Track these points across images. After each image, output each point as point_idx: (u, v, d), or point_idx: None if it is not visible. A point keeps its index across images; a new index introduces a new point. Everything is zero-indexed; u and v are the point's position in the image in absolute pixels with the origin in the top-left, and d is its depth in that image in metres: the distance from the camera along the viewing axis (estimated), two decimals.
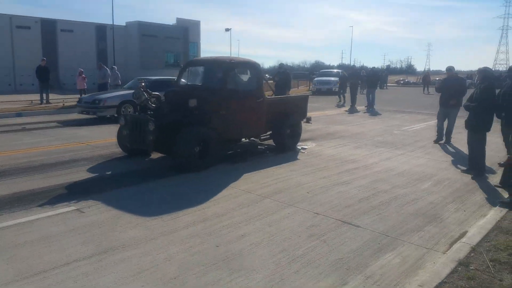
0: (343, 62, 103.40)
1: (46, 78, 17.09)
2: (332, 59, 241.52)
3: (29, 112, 14.58)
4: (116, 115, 12.72)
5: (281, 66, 15.66)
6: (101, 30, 36.49)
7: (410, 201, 5.39)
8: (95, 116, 12.97)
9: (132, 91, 13.10)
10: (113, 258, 3.61)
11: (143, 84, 7.18)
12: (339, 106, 19.64)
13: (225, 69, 7.38)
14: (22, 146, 8.65)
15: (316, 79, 29.66)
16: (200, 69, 8.27)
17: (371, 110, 17.03)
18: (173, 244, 3.93)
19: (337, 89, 27.76)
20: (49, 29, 33.07)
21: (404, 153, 8.55)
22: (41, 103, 16.62)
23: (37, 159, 7.38)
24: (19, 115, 13.99)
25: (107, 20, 39.20)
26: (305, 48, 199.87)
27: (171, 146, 6.47)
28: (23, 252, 3.70)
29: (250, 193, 5.55)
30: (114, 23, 33.90)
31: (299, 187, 5.90)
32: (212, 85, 7.53)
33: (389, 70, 44.33)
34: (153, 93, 7.37)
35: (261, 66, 8.26)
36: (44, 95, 16.90)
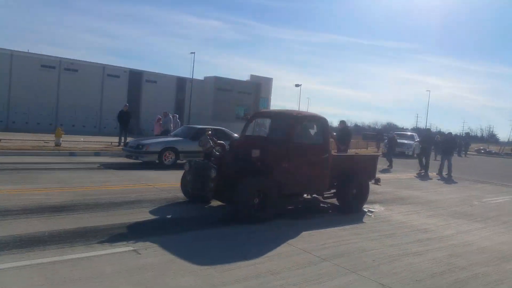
0: (418, 125, 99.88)
1: (127, 122, 18.42)
2: (405, 122, 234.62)
3: (106, 152, 15.65)
4: (157, 161, 12.90)
5: (342, 122, 15.21)
6: (181, 82, 39.30)
7: (492, 281, 4.68)
8: (138, 160, 13.11)
9: (177, 138, 13.79)
10: None
11: (209, 132, 7.38)
12: (419, 175, 16.41)
13: (291, 121, 7.34)
14: (93, 183, 9.15)
15: (387, 140, 28.72)
16: (267, 121, 8.34)
17: (447, 178, 15.79)
18: None
19: (410, 153, 26.58)
20: (135, 79, 36.31)
21: (485, 227, 7.66)
22: (119, 145, 17.79)
23: (105, 197, 7.71)
24: (97, 154, 15.05)
25: (186, 74, 42.19)
26: (377, 109, 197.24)
27: (231, 195, 6.41)
28: None
29: (308, 253, 5.19)
30: (193, 77, 36.27)
31: (363, 253, 5.43)
32: (276, 137, 7.50)
33: (469, 138, 41.69)
34: (218, 141, 7.50)
35: (328, 122, 8.11)
36: (123, 138, 18.13)
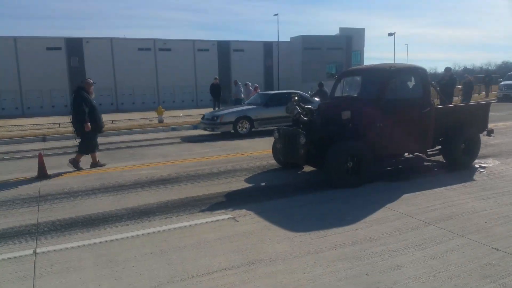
0: None
1: (218, 94, 19.15)
2: None
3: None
4: (232, 131, 12.91)
5: (447, 70, 13.65)
6: (268, 47, 39.20)
7: None
8: (214, 132, 13.33)
9: (250, 106, 13.58)
10: (259, 271, 3.59)
11: (296, 98, 7.19)
12: None
13: (384, 77, 6.80)
14: (193, 155, 9.75)
15: (503, 83, 25.47)
16: (357, 79, 7.84)
17: None
18: (319, 265, 3.68)
19: None
20: (224, 50, 37.22)
21: None
22: None
23: (204, 168, 8.16)
24: (195, 127, 15.97)
25: (273, 38, 41.94)
26: (490, 48, 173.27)
27: (323, 161, 6.27)
28: (183, 255, 4.00)
29: (411, 217, 4.89)
30: (280, 39, 35.84)
31: (473, 214, 4.94)
32: (368, 95, 7.02)
33: None
34: (306, 106, 7.31)
35: (427, 72, 7.35)
36: (217, 109, 18.92)
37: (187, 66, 35.30)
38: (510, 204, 5.24)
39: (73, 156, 8.50)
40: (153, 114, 19.58)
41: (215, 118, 13.11)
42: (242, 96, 18.34)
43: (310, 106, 7.31)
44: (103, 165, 8.69)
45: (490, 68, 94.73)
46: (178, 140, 12.92)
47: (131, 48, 34.08)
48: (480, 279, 3.34)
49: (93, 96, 8.47)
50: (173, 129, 15.89)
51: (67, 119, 9.49)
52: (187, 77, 35.21)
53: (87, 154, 8.52)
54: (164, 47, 35.02)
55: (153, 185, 6.89)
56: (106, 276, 3.60)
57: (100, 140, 9.32)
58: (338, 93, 7.75)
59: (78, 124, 8.18)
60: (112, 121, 17.58)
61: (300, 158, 6.51)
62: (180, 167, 8.36)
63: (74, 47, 32.78)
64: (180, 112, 22.75)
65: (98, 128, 8.50)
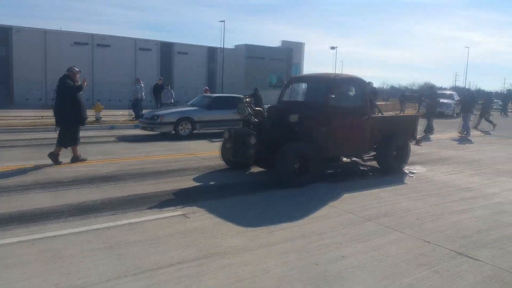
0: (456, 84, 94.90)
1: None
2: (444, 82, 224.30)
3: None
4: (173, 132, 12.50)
5: (369, 84, 14.54)
6: (212, 53, 39.11)
7: None
8: (154, 132, 12.82)
9: (192, 108, 13.39)
10: (214, 264, 3.66)
11: (247, 99, 7.37)
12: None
13: (329, 85, 7.24)
14: (136, 154, 9.52)
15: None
16: (304, 85, 8.25)
17: (466, 138, 14.59)
18: (271, 257, 3.84)
19: (450, 112, 25.50)
20: (167, 51, 36.47)
21: None
22: None
23: (149, 166, 8.01)
24: (136, 127, 15.50)
25: (217, 44, 41.99)
26: (414, 69, 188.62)
27: (271, 161, 6.49)
28: (132, 250, 3.93)
29: (352, 214, 5.25)
30: (224, 46, 36.00)
31: (406, 212, 5.42)
32: (314, 101, 7.43)
33: (508, 94, 39.70)
34: (256, 108, 7.52)
35: (366, 83, 7.92)
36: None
37: (127, 65, 34.10)
38: (437, 205, 5.81)
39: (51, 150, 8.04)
40: (89, 112, 18.64)
41: (155, 117, 12.60)
42: (139, 96, 17.55)
43: (260, 108, 7.52)
44: (84, 159, 8.27)
45: (414, 87, 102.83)
46: (118, 138, 12.49)
47: (67, 41, 32.19)
48: (416, 267, 3.70)
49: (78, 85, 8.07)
50: (112, 127, 15.32)
51: None
52: (126, 76, 33.94)
53: (66, 148, 8.15)
54: (102, 42, 33.55)
55: (95, 182, 6.64)
56: (52, 272, 3.45)
57: (32, 135, 8.78)
58: (286, 98, 8.08)
59: (64, 113, 7.84)
60: (42, 116, 16.46)
61: (250, 158, 6.68)
62: (123, 165, 8.12)
63: (1, 36, 30.28)
64: (120, 111, 21.94)
65: (81, 120, 8.14)
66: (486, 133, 16.85)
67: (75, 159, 8.21)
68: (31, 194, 5.79)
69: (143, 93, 17.75)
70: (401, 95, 28.26)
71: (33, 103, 27.39)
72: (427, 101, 16.06)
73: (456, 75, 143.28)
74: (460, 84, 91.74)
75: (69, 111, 7.85)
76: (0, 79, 30.69)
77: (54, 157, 7.93)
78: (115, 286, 3.24)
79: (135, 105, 17.38)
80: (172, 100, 17.96)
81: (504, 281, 3.46)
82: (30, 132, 13.30)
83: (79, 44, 32.72)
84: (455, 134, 15.61)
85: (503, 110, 31.70)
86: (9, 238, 4.14)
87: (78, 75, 8.21)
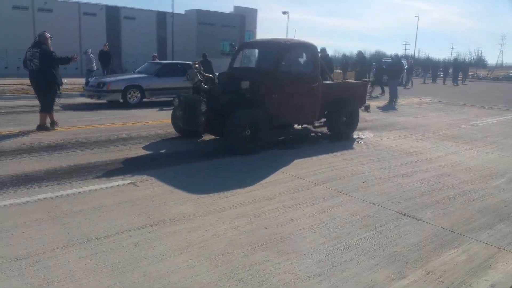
0: (406, 52, 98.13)
1: (107, 62, 17.85)
2: (394, 50, 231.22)
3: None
4: (121, 100, 12.13)
5: (323, 50, 14.56)
6: (161, 18, 37.50)
7: (479, 197, 4.92)
8: (101, 100, 12.29)
9: (140, 75, 13.00)
10: (163, 231, 3.61)
11: (197, 65, 7.16)
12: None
13: (280, 50, 7.17)
14: (82, 123, 9.09)
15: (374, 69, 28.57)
16: (255, 51, 8.12)
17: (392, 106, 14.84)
18: (221, 222, 3.86)
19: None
20: (113, 16, 34.52)
21: (472, 147, 7.91)
22: None
23: (96, 135, 7.69)
24: (82, 95, 14.73)
25: (167, 8, 40.25)
26: (365, 38, 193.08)
27: (222, 128, 6.43)
28: (79, 219, 3.79)
29: (301, 179, 5.36)
30: (174, 11, 34.61)
31: (354, 176, 5.61)
32: (265, 67, 7.36)
33: (457, 63, 41.62)
34: (207, 74, 7.35)
35: (317, 49, 7.94)
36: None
37: (71, 30, 31.85)
38: (383, 168, 6.07)
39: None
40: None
41: (101, 85, 12.07)
42: (94, 67, 17.04)
43: (210, 75, 7.35)
44: (53, 129, 8.11)
45: (366, 56, 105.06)
46: (63, 107, 11.80)
47: (4, 6, 29.42)
48: (361, 228, 3.87)
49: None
50: (58, 96, 14.41)
51: None
52: (71, 43, 31.78)
53: (50, 112, 8.04)
54: (44, 7, 31.04)
55: (38, 151, 6.28)
56: None
57: None
58: (237, 64, 7.93)
59: (46, 78, 7.78)
60: None
61: (200, 125, 6.56)
62: (68, 133, 7.73)
63: None
64: (65, 79, 20.70)
65: (60, 84, 8.12)
66: (376, 97, 17.31)
67: (42, 127, 8.02)
68: None
69: (94, 65, 17.15)
70: (344, 62, 28.62)
71: None
72: (357, 69, 16.55)
73: (406, 43, 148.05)
74: (411, 52, 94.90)
75: (52, 76, 7.90)
76: None
77: (44, 128, 7.92)
78: (60, 255, 3.12)
79: (88, 75, 16.69)
80: (94, 67, 17.13)
81: (444, 239, 3.69)
82: None
83: (18, 8, 30.06)
84: (381, 103, 15.40)
85: (454, 79, 33.28)
86: None
87: (50, 40, 8.09)
